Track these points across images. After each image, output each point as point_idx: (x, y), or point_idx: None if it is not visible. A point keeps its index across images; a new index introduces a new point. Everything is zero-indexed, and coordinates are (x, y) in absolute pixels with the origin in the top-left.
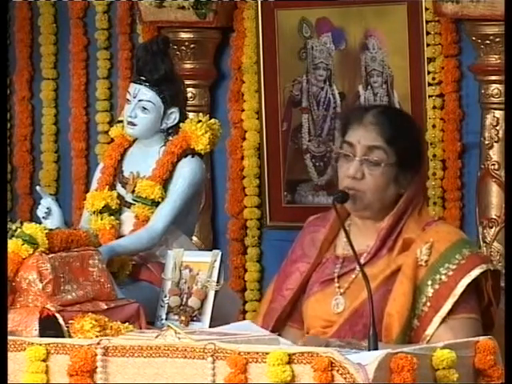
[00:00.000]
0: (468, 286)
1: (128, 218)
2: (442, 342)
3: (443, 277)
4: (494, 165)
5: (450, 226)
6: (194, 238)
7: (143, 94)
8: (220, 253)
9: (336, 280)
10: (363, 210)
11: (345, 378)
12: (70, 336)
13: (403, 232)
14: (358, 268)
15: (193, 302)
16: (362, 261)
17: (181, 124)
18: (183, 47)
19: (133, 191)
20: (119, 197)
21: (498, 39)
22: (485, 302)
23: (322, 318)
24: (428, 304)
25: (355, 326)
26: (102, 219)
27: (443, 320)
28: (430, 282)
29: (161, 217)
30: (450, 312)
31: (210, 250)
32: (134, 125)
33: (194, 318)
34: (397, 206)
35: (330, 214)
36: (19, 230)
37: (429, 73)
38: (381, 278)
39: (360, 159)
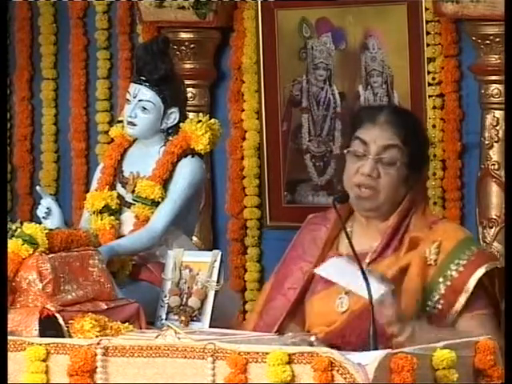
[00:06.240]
0: (479, 282)
1: (128, 217)
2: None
3: (454, 273)
4: (494, 165)
5: (455, 223)
6: (194, 238)
7: (143, 94)
8: (220, 253)
9: None
10: (374, 210)
11: (345, 378)
12: (70, 336)
13: (409, 231)
14: (363, 267)
15: (193, 301)
16: (368, 260)
17: (181, 124)
18: (183, 47)
19: (133, 191)
20: (119, 197)
21: (498, 39)
22: (494, 300)
23: (326, 317)
24: (441, 301)
25: (363, 324)
26: (102, 219)
27: (458, 316)
28: (441, 279)
29: (161, 217)
30: (465, 308)
31: (210, 250)
32: (134, 125)
33: (194, 318)
34: (402, 204)
35: (331, 212)
36: (19, 230)
37: (429, 73)
38: (388, 276)
39: (374, 158)
